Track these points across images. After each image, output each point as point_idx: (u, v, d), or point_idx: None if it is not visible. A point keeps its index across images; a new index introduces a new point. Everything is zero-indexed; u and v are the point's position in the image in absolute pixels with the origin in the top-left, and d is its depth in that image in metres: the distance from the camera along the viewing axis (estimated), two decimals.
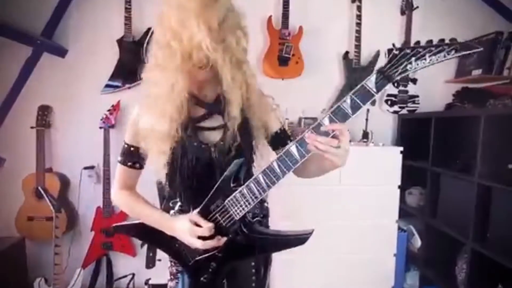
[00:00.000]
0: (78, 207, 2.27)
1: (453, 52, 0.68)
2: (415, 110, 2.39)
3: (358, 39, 2.28)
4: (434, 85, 2.41)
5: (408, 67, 0.70)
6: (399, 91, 2.37)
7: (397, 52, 0.71)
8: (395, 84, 2.37)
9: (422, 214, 2.15)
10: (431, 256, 2.12)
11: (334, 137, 0.76)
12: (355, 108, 0.73)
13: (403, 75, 0.71)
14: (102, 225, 2.19)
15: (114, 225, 1.04)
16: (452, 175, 1.91)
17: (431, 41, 0.70)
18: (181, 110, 0.86)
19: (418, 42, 0.71)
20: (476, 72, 2.18)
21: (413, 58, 0.70)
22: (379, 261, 2.11)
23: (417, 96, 2.38)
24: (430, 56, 0.68)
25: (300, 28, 2.27)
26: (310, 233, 0.87)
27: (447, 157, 1.99)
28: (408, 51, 0.70)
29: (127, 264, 2.31)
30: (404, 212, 2.24)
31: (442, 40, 0.69)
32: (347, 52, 2.34)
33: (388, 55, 0.72)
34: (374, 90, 0.73)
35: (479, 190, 1.67)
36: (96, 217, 2.22)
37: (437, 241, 2.06)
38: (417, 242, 2.22)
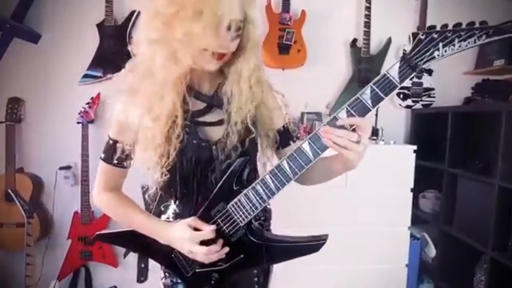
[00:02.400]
0: (53, 212, 2.25)
1: (484, 37, 0.67)
2: (430, 104, 2.40)
3: (367, 25, 2.28)
4: (452, 77, 2.41)
5: (436, 54, 0.69)
6: (413, 84, 2.37)
7: (423, 37, 0.69)
8: None
9: (437, 220, 2.16)
10: (446, 267, 2.13)
11: (353, 131, 0.75)
12: (376, 100, 0.72)
13: (429, 63, 0.70)
14: (80, 232, 2.18)
15: (97, 233, 1.01)
16: (470, 177, 1.92)
17: (459, 24, 0.68)
18: (181, 103, 0.86)
19: (445, 26, 0.70)
20: (498, 63, 2.19)
21: (441, 44, 0.68)
22: (390, 272, 2.12)
23: (433, 89, 2.39)
24: (459, 41, 0.67)
25: (303, 12, 2.27)
26: (325, 239, 0.86)
27: (465, 157, 2.00)
28: (435, 35, 0.68)
29: (108, 275, 2.30)
30: (417, 218, 2.25)
31: (471, 23, 0.68)
32: (355, 40, 2.34)
33: (413, 40, 0.70)
34: (397, 80, 0.72)
35: (500, 193, 1.68)
36: (74, 223, 2.21)
37: (454, 250, 2.08)
38: (432, 251, 2.24)
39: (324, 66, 2.35)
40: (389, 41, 2.34)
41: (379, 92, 0.72)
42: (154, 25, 0.79)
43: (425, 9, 2.28)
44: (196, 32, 0.75)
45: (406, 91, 2.39)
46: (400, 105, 2.41)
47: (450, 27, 0.69)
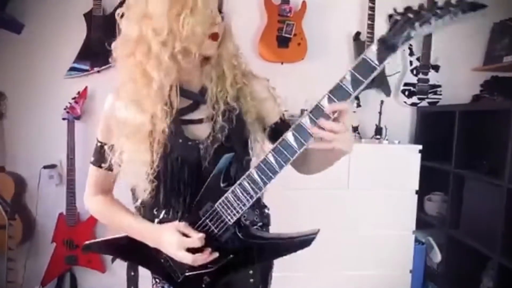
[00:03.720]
0: (36, 214, 2.25)
1: (459, 13, 0.70)
2: (437, 102, 2.41)
3: (371, 17, 2.29)
4: (459, 74, 2.43)
5: (412, 33, 0.73)
6: (419, 80, 2.39)
7: (398, 18, 0.74)
8: (414, 72, 2.38)
9: (443, 224, 2.18)
10: (452, 272, 2.15)
11: (335, 120, 0.78)
12: (356, 84, 0.75)
13: (406, 42, 0.74)
14: (65, 235, 2.17)
15: (86, 243, 1.04)
16: (478, 179, 1.93)
17: (435, 3, 0.73)
18: (166, 103, 0.87)
19: (421, 6, 0.74)
20: (508, 59, 2.20)
21: (417, 23, 0.72)
22: (393, 278, 2.13)
23: (439, 86, 2.40)
24: (436, 19, 0.71)
25: (304, 3, 2.27)
26: (316, 234, 0.88)
27: (473, 158, 2.01)
28: (411, 15, 0.73)
29: (94, 281, 2.30)
30: (422, 222, 2.27)
31: (448, 3, 0.72)
32: (358, 33, 2.35)
33: (389, 22, 0.75)
34: (376, 62, 0.74)
35: (508, 196, 1.70)
36: (58, 226, 2.20)
37: (460, 255, 2.09)
38: (437, 256, 2.26)
39: (326, 60, 2.35)
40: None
41: (359, 76, 0.75)
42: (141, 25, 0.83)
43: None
44: (197, 21, 0.80)
45: (411, 88, 2.40)
46: (405, 102, 2.42)
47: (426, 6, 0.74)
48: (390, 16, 0.75)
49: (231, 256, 0.90)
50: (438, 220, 2.26)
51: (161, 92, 0.85)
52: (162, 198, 0.94)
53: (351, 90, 0.75)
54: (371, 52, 0.74)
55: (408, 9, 0.73)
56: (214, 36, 0.86)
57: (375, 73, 0.75)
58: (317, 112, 0.77)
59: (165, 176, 0.90)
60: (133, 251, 0.96)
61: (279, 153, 0.80)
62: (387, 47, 0.74)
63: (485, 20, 2.30)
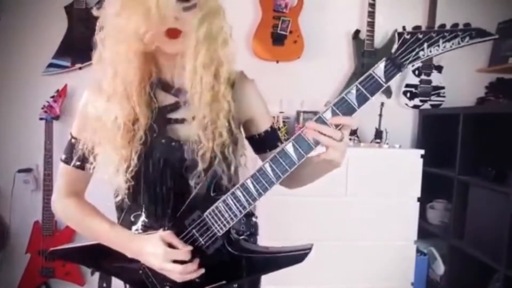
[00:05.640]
0: (9, 222, 2.22)
1: (467, 38, 0.76)
2: (440, 104, 2.43)
3: (371, 15, 2.31)
4: (463, 75, 2.45)
5: (421, 54, 0.78)
6: (421, 81, 2.40)
7: (408, 37, 0.79)
8: (416, 73, 2.41)
9: (446, 233, 2.19)
10: (456, 285, 2.15)
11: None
12: (361, 100, 0.79)
13: (414, 63, 0.80)
14: (41, 245, 2.15)
15: (51, 249, 1.00)
16: (483, 186, 1.94)
17: (444, 25, 0.78)
18: (144, 97, 0.86)
19: (431, 26, 0.82)
20: None
21: (426, 44, 0.78)
22: None
23: (443, 88, 2.42)
24: (443, 42, 0.77)
25: None
26: (309, 249, 0.88)
27: (477, 164, 2.02)
28: (420, 36, 0.78)
29: None
30: (424, 231, 2.27)
31: (455, 25, 0.78)
32: (357, 31, 2.36)
33: (398, 40, 0.80)
34: (383, 79, 0.78)
35: None
36: (33, 235, 2.17)
37: (464, 266, 2.10)
38: (440, 267, 2.26)
39: (323, 59, 2.37)
40: (395, 34, 2.36)
41: (365, 92, 0.78)
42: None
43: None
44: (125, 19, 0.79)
45: (413, 90, 2.42)
46: (406, 104, 2.43)
47: (435, 28, 0.79)
48: (400, 34, 0.80)
49: (223, 282, 0.88)
50: (441, 230, 2.26)
51: (144, 87, 0.85)
52: (142, 203, 0.93)
53: (356, 105, 0.79)
54: (379, 69, 0.79)
55: (417, 28, 0.78)
56: (170, 33, 0.80)
57: (380, 90, 0.79)
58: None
59: (145, 178, 0.89)
60: (106, 261, 0.93)
61: (277, 164, 0.81)
62: (394, 65, 0.79)
63: (490, 20, 2.32)
